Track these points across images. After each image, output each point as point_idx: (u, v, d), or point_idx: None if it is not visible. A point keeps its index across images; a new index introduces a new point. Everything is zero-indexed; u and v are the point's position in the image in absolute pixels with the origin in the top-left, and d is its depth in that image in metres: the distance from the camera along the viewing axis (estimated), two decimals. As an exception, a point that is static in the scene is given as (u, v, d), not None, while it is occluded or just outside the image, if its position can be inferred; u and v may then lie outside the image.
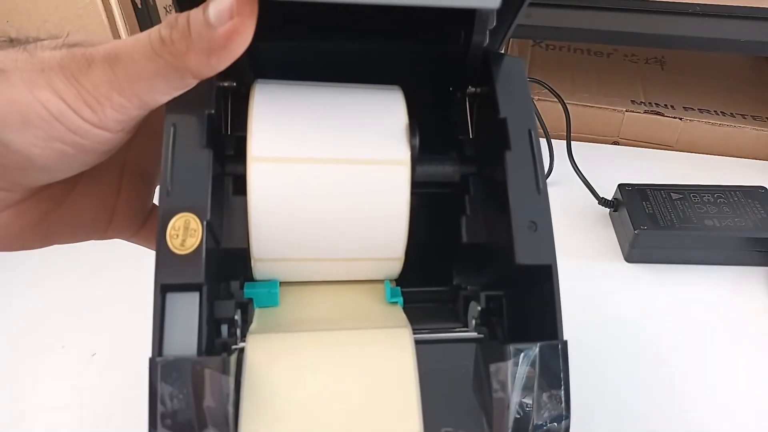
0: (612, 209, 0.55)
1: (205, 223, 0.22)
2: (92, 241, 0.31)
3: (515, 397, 0.22)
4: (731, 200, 0.53)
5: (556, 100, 0.59)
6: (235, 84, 0.27)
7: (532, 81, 0.62)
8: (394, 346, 0.24)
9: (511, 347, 0.23)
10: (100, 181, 0.29)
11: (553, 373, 0.23)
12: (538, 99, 0.62)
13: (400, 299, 0.27)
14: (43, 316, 0.47)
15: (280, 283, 0.28)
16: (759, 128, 0.62)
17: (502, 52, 0.29)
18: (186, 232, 0.22)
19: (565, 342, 0.23)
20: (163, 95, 0.23)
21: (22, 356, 0.44)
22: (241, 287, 0.27)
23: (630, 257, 0.51)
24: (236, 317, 0.24)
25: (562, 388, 0.22)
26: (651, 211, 0.51)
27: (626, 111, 0.64)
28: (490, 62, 0.27)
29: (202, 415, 0.20)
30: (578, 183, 0.56)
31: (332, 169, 0.25)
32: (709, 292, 0.50)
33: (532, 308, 0.25)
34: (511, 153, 0.25)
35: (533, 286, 0.24)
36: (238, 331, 0.25)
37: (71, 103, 0.22)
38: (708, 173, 0.59)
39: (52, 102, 0.22)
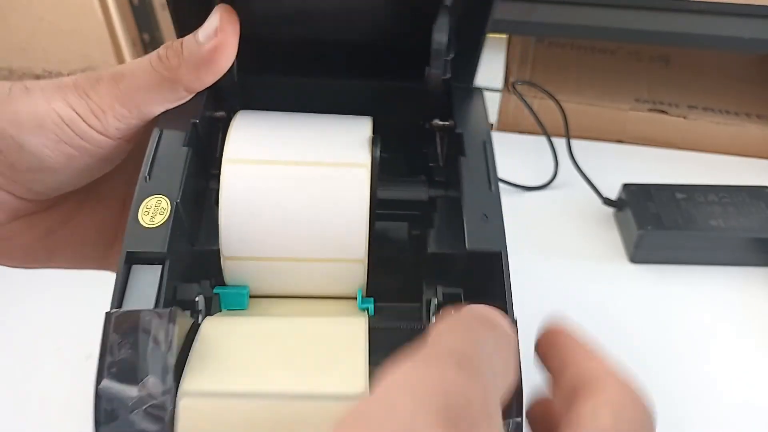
0: (616, 209, 0.54)
1: (175, 203, 0.25)
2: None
3: None
4: (736, 200, 0.52)
5: (557, 99, 0.59)
6: (226, 115, 0.30)
7: (526, 84, 0.62)
8: (348, 323, 0.25)
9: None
10: (103, 205, 0.32)
11: None
12: (539, 99, 0.61)
13: (371, 305, 0.28)
14: (39, 319, 0.46)
15: (252, 297, 0.29)
16: (765, 127, 0.62)
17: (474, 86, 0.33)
18: (156, 210, 0.24)
19: (514, 321, 0.23)
20: (159, 106, 0.27)
21: (18, 358, 0.44)
22: (212, 287, 0.28)
23: (634, 258, 0.51)
24: (197, 299, 0.26)
25: None
26: (655, 211, 0.51)
27: (630, 110, 0.63)
28: (453, 94, 0.32)
29: (144, 364, 0.21)
30: (582, 183, 0.55)
31: (296, 170, 0.27)
32: (714, 293, 0.49)
33: (486, 298, 0.25)
34: (466, 159, 0.28)
35: (486, 274, 0.25)
36: (200, 317, 0.26)
37: (80, 112, 0.26)
38: (713, 173, 0.58)
39: (64, 110, 0.26)
